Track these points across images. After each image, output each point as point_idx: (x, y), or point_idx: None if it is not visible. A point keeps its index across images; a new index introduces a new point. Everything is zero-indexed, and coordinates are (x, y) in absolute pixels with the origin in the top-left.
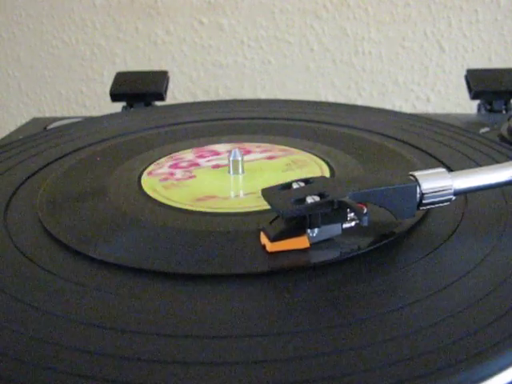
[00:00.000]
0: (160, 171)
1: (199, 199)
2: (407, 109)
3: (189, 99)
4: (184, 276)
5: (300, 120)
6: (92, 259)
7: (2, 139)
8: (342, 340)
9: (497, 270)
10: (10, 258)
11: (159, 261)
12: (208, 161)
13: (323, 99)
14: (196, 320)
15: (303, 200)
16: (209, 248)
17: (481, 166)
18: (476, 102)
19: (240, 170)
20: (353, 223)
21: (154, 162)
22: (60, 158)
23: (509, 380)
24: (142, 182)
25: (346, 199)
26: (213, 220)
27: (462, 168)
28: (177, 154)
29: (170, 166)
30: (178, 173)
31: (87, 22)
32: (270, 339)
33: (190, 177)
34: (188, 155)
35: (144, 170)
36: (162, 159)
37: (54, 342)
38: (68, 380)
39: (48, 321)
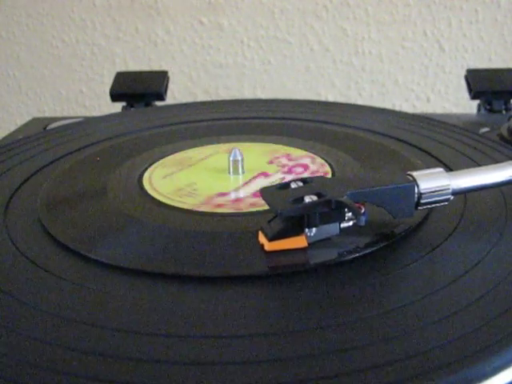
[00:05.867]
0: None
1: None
2: (407, 109)
3: (189, 99)
4: (183, 277)
5: (300, 120)
6: (92, 259)
7: (2, 139)
8: (341, 340)
9: (496, 269)
10: (9, 258)
11: (158, 261)
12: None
13: (323, 99)
14: (195, 320)
15: (301, 199)
16: (208, 248)
17: (480, 165)
18: (476, 102)
19: (240, 170)
20: (351, 223)
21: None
22: (60, 157)
23: (509, 380)
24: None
25: (344, 199)
26: (212, 220)
27: (462, 168)
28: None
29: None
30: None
31: (87, 22)
32: (268, 339)
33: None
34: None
35: (144, 169)
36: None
37: (54, 342)
38: (68, 380)
39: (48, 321)
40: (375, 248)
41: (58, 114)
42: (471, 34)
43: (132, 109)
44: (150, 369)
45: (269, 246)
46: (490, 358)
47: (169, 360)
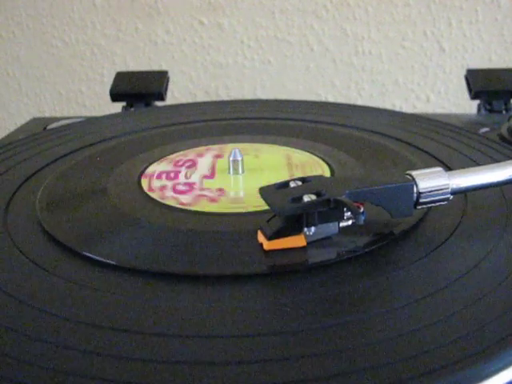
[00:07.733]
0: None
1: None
2: (407, 109)
3: (189, 99)
4: (182, 276)
5: (300, 120)
6: (91, 259)
7: (2, 139)
8: (341, 340)
9: (497, 269)
10: (10, 258)
11: (158, 261)
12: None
13: (323, 99)
14: (194, 319)
15: (300, 199)
16: (207, 248)
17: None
18: (476, 102)
19: (240, 170)
20: (350, 222)
21: (154, 162)
22: (60, 157)
23: (509, 380)
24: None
25: (343, 198)
26: (212, 220)
27: (462, 168)
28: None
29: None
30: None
31: (87, 22)
32: (267, 338)
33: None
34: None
35: (144, 169)
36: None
37: (54, 342)
38: (68, 380)
39: (47, 321)
40: (374, 247)
41: (58, 114)
42: (471, 33)
43: (132, 109)
44: (150, 369)
45: (268, 245)
46: (490, 359)
47: (168, 360)
